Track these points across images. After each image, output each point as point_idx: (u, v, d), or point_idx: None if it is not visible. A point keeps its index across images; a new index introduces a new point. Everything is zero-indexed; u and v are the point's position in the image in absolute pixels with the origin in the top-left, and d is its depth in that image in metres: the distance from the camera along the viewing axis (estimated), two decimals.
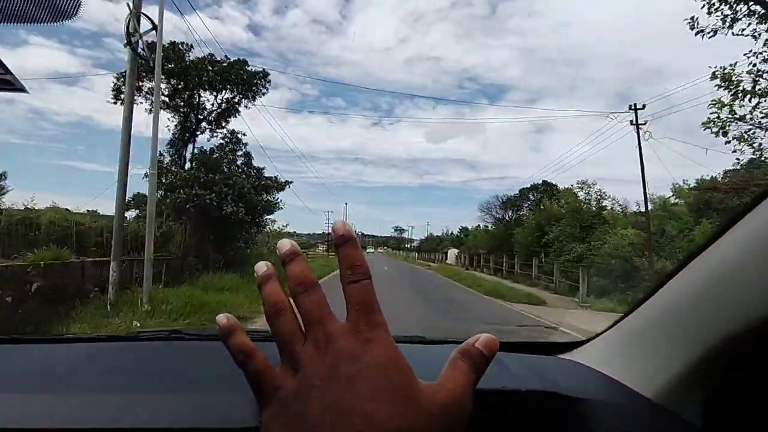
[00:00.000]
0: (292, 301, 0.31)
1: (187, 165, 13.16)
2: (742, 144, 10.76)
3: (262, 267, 0.32)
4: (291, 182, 15.10)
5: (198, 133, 13.66)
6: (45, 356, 0.77)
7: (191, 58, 12.57)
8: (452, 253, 49.25)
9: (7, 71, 0.44)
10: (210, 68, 12.56)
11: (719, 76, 10.18)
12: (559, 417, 0.57)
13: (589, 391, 0.61)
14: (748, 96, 9.87)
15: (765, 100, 9.92)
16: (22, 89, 0.46)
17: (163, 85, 11.47)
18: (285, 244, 0.31)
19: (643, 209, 17.31)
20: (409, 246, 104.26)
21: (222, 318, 0.32)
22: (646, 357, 0.62)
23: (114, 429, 0.53)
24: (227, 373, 0.68)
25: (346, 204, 49.02)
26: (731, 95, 10.10)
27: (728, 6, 10.09)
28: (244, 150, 13.69)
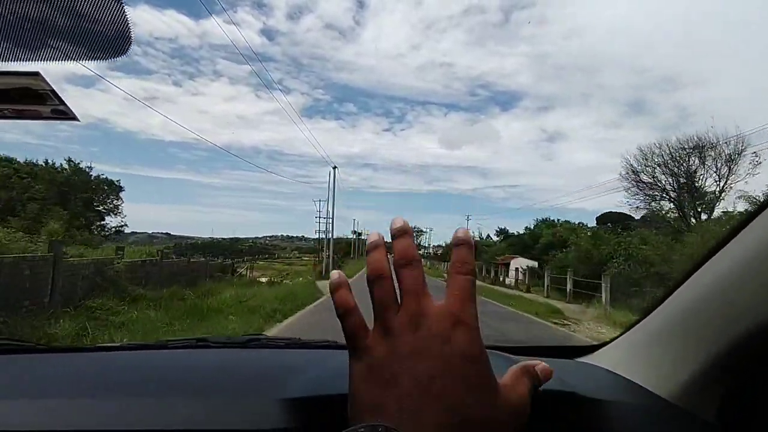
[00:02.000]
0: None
1: None
2: None
3: (373, 236, 0.35)
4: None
5: None
6: (78, 364, 0.80)
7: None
8: (519, 266, 28.09)
9: (62, 102, 0.49)
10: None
11: None
12: (577, 418, 0.58)
13: (606, 392, 0.62)
14: None
15: None
16: (74, 118, 0.51)
17: None
18: (398, 221, 0.34)
19: None
20: (426, 252, 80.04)
21: (334, 273, 0.35)
22: (663, 359, 0.63)
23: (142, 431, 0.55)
24: (252, 379, 0.71)
25: (334, 168, 32.05)
26: None
27: None
28: None
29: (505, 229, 53.38)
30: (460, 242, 0.33)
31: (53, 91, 0.46)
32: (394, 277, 0.33)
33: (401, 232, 0.34)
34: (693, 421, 0.56)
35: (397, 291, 0.33)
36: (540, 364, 0.35)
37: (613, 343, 0.79)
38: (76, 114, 0.50)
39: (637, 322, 0.72)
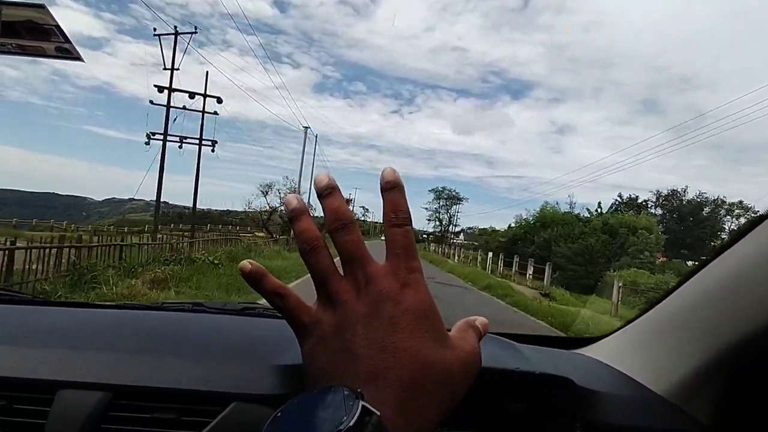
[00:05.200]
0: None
1: None
2: None
3: (292, 200, 0.31)
4: None
5: None
6: (75, 318, 0.81)
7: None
8: None
9: (67, 40, 0.47)
10: None
11: None
12: (568, 402, 0.59)
13: (600, 383, 0.62)
14: None
15: None
16: (79, 58, 0.49)
17: None
18: (323, 178, 0.30)
19: None
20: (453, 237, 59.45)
21: (246, 264, 0.30)
22: (659, 355, 0.63)
23: (138, 387, 0.56)
24: (246, 345, 0.71)
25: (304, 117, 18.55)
26: None
27: None
28: None
29: (636, 197, 35.71)
30: (390, 185, 0.30)
31: (59, 27, 0.44)
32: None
33: (328, 190, 0.30)
34: (683, 418, 0.56)
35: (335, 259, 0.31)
36: (479, 318, 0.35)
37: (611, 336, 0.79)
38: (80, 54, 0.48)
39: (637, 317, 0.72)
